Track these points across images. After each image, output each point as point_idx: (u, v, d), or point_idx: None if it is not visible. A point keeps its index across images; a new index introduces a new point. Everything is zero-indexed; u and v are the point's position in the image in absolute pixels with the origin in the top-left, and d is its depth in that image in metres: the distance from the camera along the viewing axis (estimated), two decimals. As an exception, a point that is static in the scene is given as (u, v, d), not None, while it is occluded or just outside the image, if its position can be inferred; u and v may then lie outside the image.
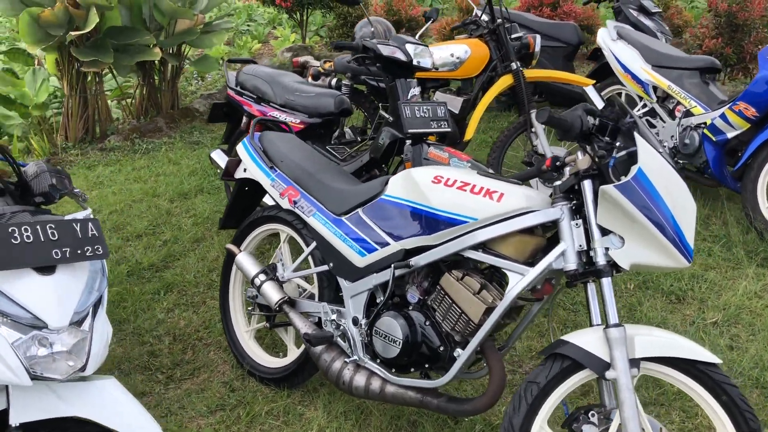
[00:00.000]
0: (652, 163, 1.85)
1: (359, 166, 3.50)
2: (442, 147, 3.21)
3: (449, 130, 3.35)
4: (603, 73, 4.98)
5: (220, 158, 4.03)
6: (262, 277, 2.64)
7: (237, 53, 9.45)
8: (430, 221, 2.17)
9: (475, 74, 4.13)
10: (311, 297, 2.68)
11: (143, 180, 5.16)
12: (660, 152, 1.91)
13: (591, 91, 4.74)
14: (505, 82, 3.99)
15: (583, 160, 1.97)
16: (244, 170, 2.86)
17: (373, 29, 4.42)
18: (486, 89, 4.13)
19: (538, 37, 4.01)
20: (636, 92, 4.52)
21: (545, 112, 1.91)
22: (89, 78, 6.14)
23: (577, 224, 1.96)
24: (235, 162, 2.93)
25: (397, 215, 2.27)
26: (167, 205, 4.58)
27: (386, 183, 2.38)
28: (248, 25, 9.84)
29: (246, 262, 2.72)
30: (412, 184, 2.25)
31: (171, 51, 6.50)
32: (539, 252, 2.07)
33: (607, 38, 4.77)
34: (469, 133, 3.99)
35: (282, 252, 2.81)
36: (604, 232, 1.91)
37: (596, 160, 1.93)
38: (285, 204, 2.63)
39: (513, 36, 4.00)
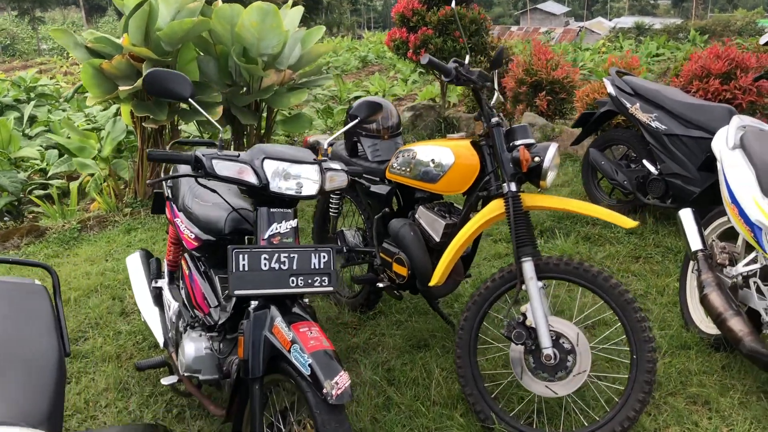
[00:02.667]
0: None
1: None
2: (290, 322, 2.10)
3: (327, 289, 2.21)
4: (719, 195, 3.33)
5: (132, 265, 3.26)
6: None
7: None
8: None
9: (461, 190, 2.86)
10: None
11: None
12: None
13: (686, 219, 3.18)
14: (492, 210, 2.68)
15: None
16: None
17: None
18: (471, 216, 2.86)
19: (553, 147, 2.62)
20: (744, 236, 2.87)
21: None
22: (166, 131, 5.83)
23: None
24: None
25: None
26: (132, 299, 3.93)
27: None
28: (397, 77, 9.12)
29: None
30: None
31: (255, 108, 5.96)
32: None
33: (722, 143, 3.16)
34: (435, 279, 2.74)
35: None
36: None
37: None
38: None
39: (517, 143, 2.67)
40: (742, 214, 2.82)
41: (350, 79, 17.82)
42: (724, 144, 3.13)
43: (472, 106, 7.27)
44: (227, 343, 2.55)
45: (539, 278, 2.59)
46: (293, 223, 2.28)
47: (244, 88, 5.95)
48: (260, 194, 2.25)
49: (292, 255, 2.19)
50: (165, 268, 3.17)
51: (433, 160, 2.88)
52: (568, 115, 6.69)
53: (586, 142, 5.53)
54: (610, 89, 4.82)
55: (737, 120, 3.21)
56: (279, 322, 2.12)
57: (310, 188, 2.28)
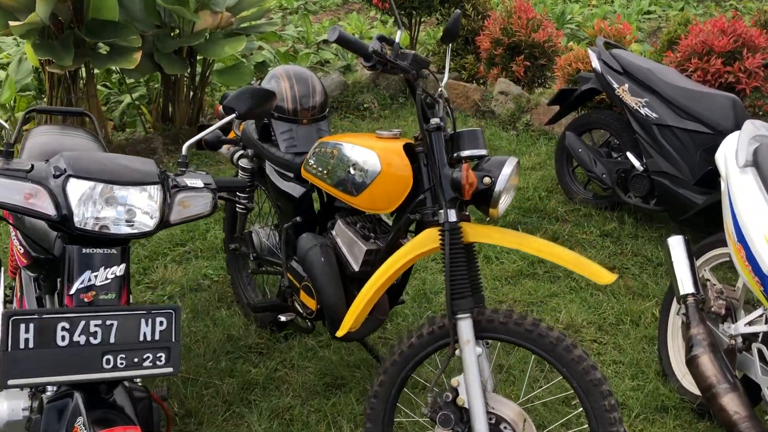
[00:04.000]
0: None
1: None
2: (97, 421, 1.41)
3: (164, 371, 1.53)
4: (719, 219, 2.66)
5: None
6: None
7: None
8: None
9: (387, 210, 2.16)
10: None
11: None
12: None
13: (676, 251, 2.54)
14: (424, 242, 1.98)
15: None
16: None
17: (281, 89, 2.56)
18: (402, 242, 2.16)
19: (509, 165, 1.89)
20: (750, 287, 2.21)
21: None
22: (82, 76, 4.97)
23: None
24: None
25: None
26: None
27: None
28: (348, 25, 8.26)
29: None
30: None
31: (187, 54, 5.12)
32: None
33: (731, 159, 2.47)
34: (343, 328, 2.05)
35: None
36: None
37: None
38: None
39: (463, 154, 1.96)
40: (751, 258, 2.16)
41: (327, 16, 16.68)
42: (732, 159, 2.44)
43: (457, 66, 6.44)
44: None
45: (480, 338, 1.93)
46: (119, 270, 1.56)
47: (176, 31, 5.10)
48: (64, 229, 1.53)
49: (108, 322, 1.48)
50: (3, 280, 2.44)
51: (355, 165, 2.15)
52: (547, 84, 5.94)
53: (564, 121, 4.82)
54: (596, 64, 4.08)
55: (750, 128, 2.52)
56: (80, 423, 1.43)
57: (144, 221, 1.56)
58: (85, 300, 1.52)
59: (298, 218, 2.49)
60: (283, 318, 2.47)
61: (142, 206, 1.54)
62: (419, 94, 1.95)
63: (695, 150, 3.60)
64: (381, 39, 1.94)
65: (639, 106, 3.78)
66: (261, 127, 2.68)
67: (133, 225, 1.54)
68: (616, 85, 3.92)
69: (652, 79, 3.78)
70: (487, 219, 2.01)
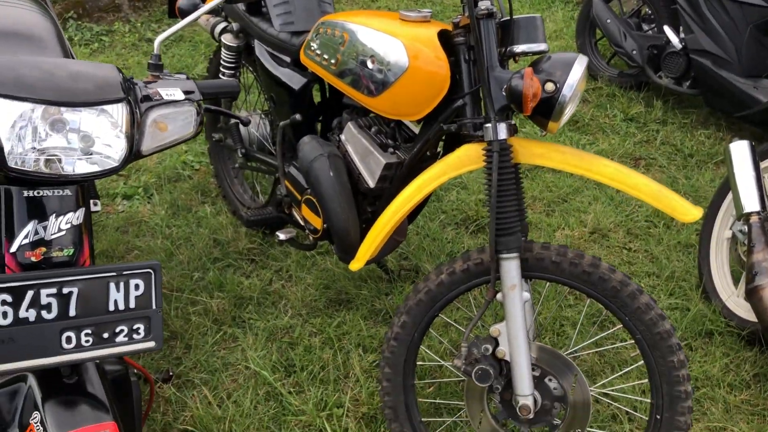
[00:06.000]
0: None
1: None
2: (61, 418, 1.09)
3: (145, 345, 1.21)
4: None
5: None
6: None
7: None
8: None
9: (414, 116, 1.73)
10: None
11: None
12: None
13: (740, 159, 2.20)
14: (463, 160, 1.59)
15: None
16: None
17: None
18: (429, 155, 1.78)
19: (579, 66, 1.45)
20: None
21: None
22: None
23: None
24: None
25: None
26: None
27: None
28: None
29: None
30: None
31: None
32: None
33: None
34: (358, 261, 1.70)
35: None
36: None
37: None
38: None
39: (518, 49, 1.52)
40: None
41: None
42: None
43: None
44: None
45: (525, 277, 1.61)
46: (76, 217, 1.17)
47: None
48: None
49: (66, 290, 1.11)
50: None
51: (373, 57, 1.71)
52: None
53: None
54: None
55: None
56: (37, 422, 1.10)
57: (107, 153, 1.15)
58: (33, 260, 1.13)
59: (297, 116, 2.05)
60: (282, 236, 2.10)
61: (102, 133, 1.12)
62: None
63: (745, 26, 3.15)
64: None
65: (683, -28, 3.27)
66: (249, -2, 2.17)
67: (91, 158, 1.13)
68: (657, -55, 3.37)
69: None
70: (543, 134, 1.60)
